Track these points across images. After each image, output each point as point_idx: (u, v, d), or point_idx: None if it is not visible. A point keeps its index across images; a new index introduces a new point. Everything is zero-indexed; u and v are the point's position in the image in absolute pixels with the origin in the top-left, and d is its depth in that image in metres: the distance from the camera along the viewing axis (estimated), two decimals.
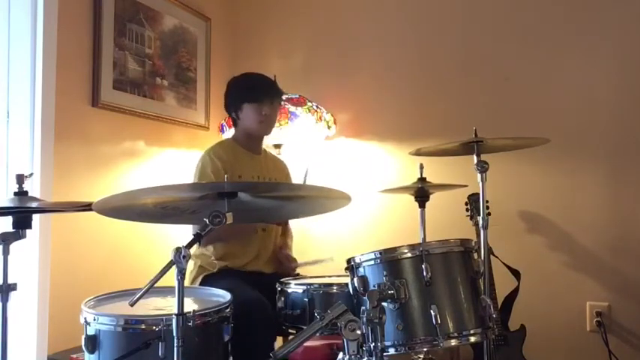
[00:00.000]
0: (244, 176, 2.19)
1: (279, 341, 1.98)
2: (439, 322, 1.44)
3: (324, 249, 2.78)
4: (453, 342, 1.49)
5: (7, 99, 2.17)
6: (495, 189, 2.27)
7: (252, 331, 1.78)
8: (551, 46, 2.72)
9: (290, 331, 1.89)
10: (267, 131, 2.32)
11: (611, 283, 2.58)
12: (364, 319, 1.38)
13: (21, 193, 1.50)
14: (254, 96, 2.23)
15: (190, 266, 2.16)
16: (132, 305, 1.29)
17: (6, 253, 1.47)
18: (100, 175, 2.44)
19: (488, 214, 2.10)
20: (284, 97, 2.54)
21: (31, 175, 1.64)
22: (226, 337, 1.57)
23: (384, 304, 1.46)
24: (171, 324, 1.29)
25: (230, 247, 2.18)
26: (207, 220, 1.28)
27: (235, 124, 2.32)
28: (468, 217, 2.48)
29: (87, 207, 1.43)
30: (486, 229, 1.99)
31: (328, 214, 1.64)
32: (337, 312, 1.30)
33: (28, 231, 1.50)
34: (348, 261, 1.63)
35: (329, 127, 2.89)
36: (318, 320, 1.31)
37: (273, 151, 2.67)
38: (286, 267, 2.27)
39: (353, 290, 1.58)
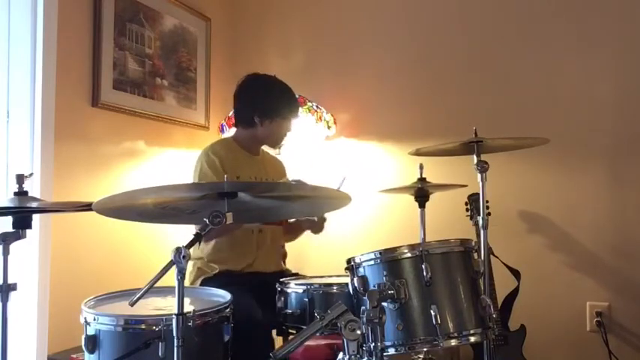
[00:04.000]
0: (242, 176, 2.17)
1: (279, 341, 1.98)
2: (439, 322, 1.44)
3: (324, 249, 2.77)
4: (453, 342, 1.49)
5: (7, 99, 2.17)
6: (495, 189, 2.28)
7: (248, 347, 1.75)
8: (551, 46, 2.72)
9: (290, 331, 1.89)
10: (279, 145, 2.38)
11: (611, 283, 2.59)
12: (364, 319, 1.38)
13: (21, 193, 1.50)
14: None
15: (189, 268, 2.15)
16: (132, 305, 1.29)
17: (6, 253, 1.47)
18: (100, 175, 2.44)
19: (488, 214, 2.10)
20: None
21: (31, 175, 1.64)
22: (226, 337, 1.57)
23: (384, 304, 1.46)
24: (171, 324, 1.29)
25: (227, 251, 2.16)
26: (207, 220, 1.28)
27: (248, 124, 2.25)
28: (468, 217, 2.48)
29: (87, 207, 1.43)
30: (486, 229, 1.99)
31: (328, 214, 1.64)
32: (337, 312, 1.30)
33: (28, 231, 1.50)
34: (348, 261, 1.62)
35: (329, 127, 2.89)
36: (318, 320, 1.31)
37: (272, 152, 2.67)
38: (318, 227, 2.27)
39: (353, 290, 1.58)
